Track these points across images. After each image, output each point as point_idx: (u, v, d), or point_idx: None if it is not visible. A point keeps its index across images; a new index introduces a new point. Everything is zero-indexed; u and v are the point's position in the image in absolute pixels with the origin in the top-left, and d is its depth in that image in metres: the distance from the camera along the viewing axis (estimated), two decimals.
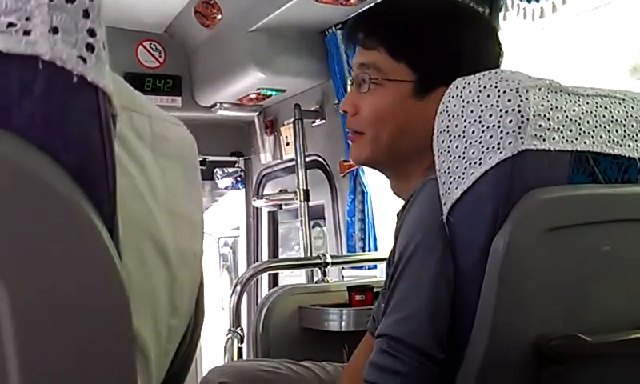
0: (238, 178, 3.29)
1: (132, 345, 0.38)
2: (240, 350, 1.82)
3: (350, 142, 1.19)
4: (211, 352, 3.24)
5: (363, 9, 2.24)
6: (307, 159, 2.59)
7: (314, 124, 2.67)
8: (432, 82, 1.08)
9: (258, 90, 2.71)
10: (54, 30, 0.35)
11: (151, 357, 0.46)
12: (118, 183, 0.40)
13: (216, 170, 3.26)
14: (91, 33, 0.36)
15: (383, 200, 2.45)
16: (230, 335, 1.81)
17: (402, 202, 1.05)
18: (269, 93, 2.75)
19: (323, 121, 2.65)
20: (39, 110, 0.35)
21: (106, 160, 0.37)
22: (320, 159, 2.69)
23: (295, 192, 2.60)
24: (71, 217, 0.35)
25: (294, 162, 2.63)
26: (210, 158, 3.19)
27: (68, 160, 0.35)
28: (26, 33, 0.34)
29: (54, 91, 0.35)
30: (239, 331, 1.81)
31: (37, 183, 0.34)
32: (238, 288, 1.86)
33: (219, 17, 2.50)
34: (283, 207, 3.15)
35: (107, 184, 0.37)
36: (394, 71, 1.09)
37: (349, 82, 1.24)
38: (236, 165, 3.28)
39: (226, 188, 3.35)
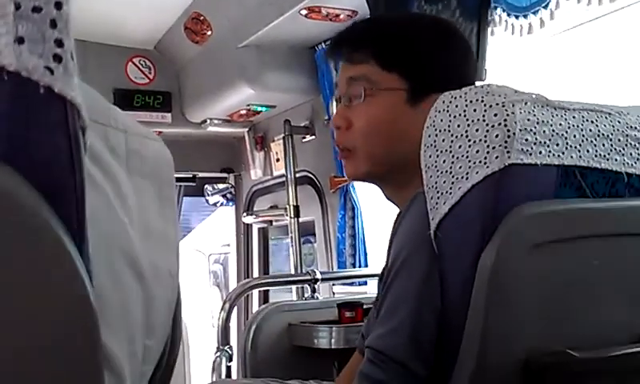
0: (229, 195, 3.27)
1: (100, 364, 0.37)
2: (229, 368, 1.80)
3: (341, 160, 1.19)
4: (200, 371, 3.20)
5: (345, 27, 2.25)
6: (297, 175, 2.59)
7: (304, 140, 2.67)
8: (425, 88, 1.11)
9: (248, 105, 2.71)
10: (20, 40, 0.34)
11: (126, 379, 0.45)
12: (93, 201, 0.39)
13: (206, 186, 3.25)
14: (59, 43, 0.35)
15: (374, 216, 2.45)
16: (218, 353, 1.79)
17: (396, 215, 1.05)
18: (259, 109, 2.75)
19: (313, 137, 2.65)
20: (4, 122, 0.34)
21: (75, 174, 0.36)
22: (310, 175, 2.68)
23: (285, 208, 2.59)
24: (37, 233, 0.34)
25: (284, 178, 2.62)
26: (200, 175, 3.18)
27: (34, 174, 0.34)
28: None
29: (19, 103, 0.34)
30: (228, 349, 1.79)
31: (1, 198, 0.33)
32: (227, 305, 1.84)
33: (209, 33, 2.50)
34: (274, 223, 3.14)
35: (76, 199, 0.36)
36: (387, 81, 1.10)
37: (334, 100, 1.24)
38: (226, 181, 3.27)
39: (216, 204, 3.34)
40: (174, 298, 0.53)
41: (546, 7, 1.72)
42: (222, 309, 1.86)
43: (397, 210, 1.11)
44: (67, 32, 0.35)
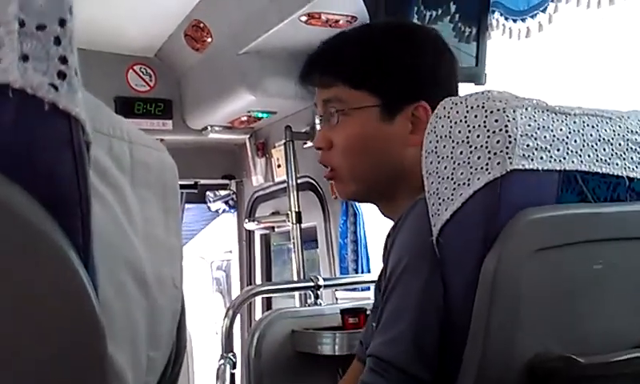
0: (230, 202, 3.27)
1: (107, 378, 0.37)
2: (232, 375, 1.80)
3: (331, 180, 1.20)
4: (204, 378, 3.20)
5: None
6: (299, 181, 2.58)
7: (305, 146, 2.67)
8: (397, 102, 1.10)
9: (249, 112, 2.71)
10: (25, 58, 0.34)
11: None
12: (97, 212, 0.39)
13: (208, 193, 3.25)
14: (63, 60, 0.35)
15: (375, 221, 2.45)
16: (222, 360, 1.79)
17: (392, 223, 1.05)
18: (260, 115, 2.75)
19: None
20: (9, 138, 0.34)
21: (80, 189, 0.36)
22: (312, 181, 2.68)
23: (287, 214, 2.58)
24: (43, 248, 0.34)
25: (285, 184, 2.62)
26: (202, 181, 3.18)
27: (39, 189, 0.35)
28: None
29: (24, 120, 0.34)
30: (231, 356, 1.79)
31: (7, 213, 0.33)
32: (230, 312, 1.84)
33: (209, 40, 2.50)
34: (276, 230, 3.14)
35: (81, 213, 0.36)
36: (357, 99, 1.11)
37: (317, 120, 1.25)
38: (228, 187, 3.27)
39: (218, 211, 3.34)
40: (178, 309, 0.53)
41: (544, 11, 1.72)
42: (225, 316, 1.85)
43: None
44: (71, 49, 0.35)
